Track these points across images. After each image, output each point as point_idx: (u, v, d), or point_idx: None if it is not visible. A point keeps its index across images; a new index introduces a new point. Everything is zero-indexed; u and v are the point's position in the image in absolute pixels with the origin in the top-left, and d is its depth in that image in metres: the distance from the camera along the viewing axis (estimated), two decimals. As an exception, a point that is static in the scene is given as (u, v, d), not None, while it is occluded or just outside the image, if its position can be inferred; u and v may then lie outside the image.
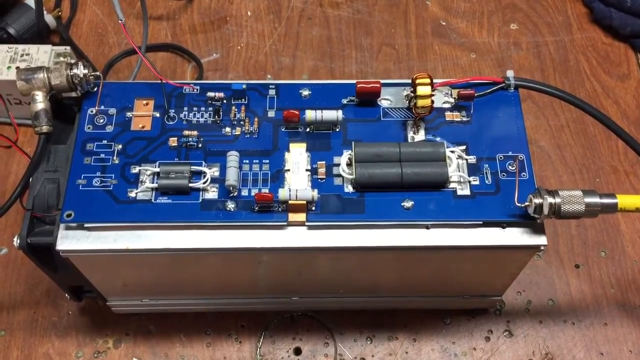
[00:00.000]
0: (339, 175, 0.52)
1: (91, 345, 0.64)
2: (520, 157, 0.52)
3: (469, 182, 0.52)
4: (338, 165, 0.52)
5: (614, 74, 0.81)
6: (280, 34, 0.84)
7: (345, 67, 0.81)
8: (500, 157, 0.53)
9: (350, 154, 0.52)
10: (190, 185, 0.51)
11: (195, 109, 0.55)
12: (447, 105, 0.55)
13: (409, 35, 0.84)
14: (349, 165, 0.52)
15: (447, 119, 0.55)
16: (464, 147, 0.53)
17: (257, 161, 0.52)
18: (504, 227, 0.51)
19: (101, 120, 0.54)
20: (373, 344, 0.64)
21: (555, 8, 0.86)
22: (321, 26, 0.84)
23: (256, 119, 0.54)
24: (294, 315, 0.65)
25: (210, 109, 0.55)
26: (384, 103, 0.55)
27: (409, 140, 0.53)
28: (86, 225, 0.50)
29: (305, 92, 0.56)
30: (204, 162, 0.52)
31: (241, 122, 0.54)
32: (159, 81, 0.55)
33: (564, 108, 0.78)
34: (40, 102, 0.52)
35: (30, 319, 0.65)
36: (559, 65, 0.81)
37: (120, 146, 0.53)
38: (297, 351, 0.64)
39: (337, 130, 0.54)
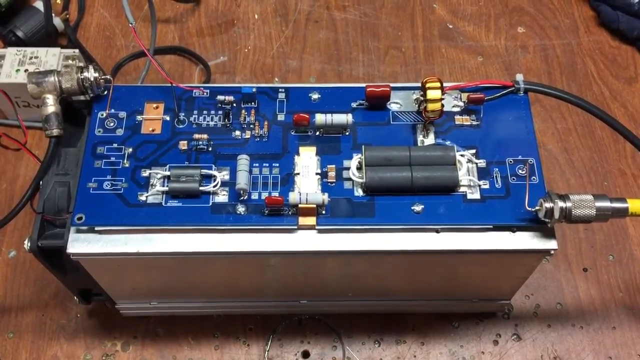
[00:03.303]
0: (349, 179, 0.52)
1: (99, 348, 0.64)
2: (531, 161, 0.52)
3: (479, 186, 0.52)
4: (348, 168, 0.52)
5: (622, 77, 0.81)
6: (287, 36, 0.84)
7: (352, 70, 0.81)
8: (510, 161, 0.53)
9: (360, 158, 0.52)
10: (201, 188, 0.51)
11: (205, 112, 0.55)
12: (456, 109, 0.55)
13: (416, 38, 0.84)
14: (359, 169, 0.52)
15: (456, 123, 0.55)
16: (473, 151, 0.53)
17: (267, 165, 0.52)
18: (514, 231, 0.51)
19: (111, 124, 0.54)
20: (381, 347, 0.64)
21: (562, 11, 0.86)
22: (328, 29, 0.84)
23: (266, 123, 0.54)
24: (302, 318, 0.65)
25: (220, 112, 0.55)
26: (393, 107, 0.55)
27: (419, 144, 0.53)
28: (97, 228, 0.50)
29: (315, 96, 0.56)
30: (214, 166, 0.52)
31: (251, 126, 0.54)
32: (169, 84, 0.55)
33: (571, 111, 0.78)
34: (51, 105, 0.52)
35: (38, 321, 0.65)
36: (566, 69, 0.81)
37: (130, 149, 0.53)
38: (305, 354, 0.64)
39: (347, 133, 0.54)
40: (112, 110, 0.55)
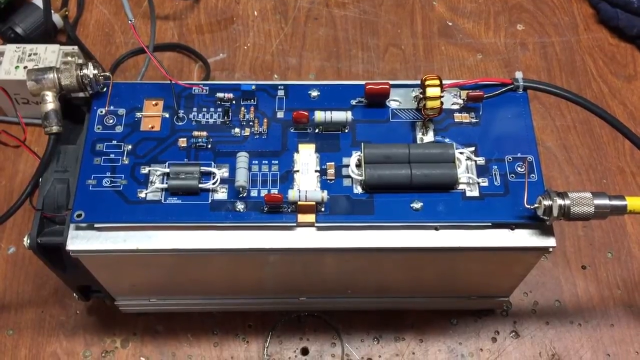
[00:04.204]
0: (348, 176, 0.52)
1: (99, 344, 0.64)
2: (529, 159, 0.52)
3: (478, 183, 0.52)
4: (347, 166, 0.52)
5: (621, 75, 0.81)
6: (286, 33, 0.84)
7: (351, 67, 0.81)
8: (509, 159, 0.53)
9: (359, 155, 0.52)
10: (200, 186, 0.51)
11: (204, 109, 0.55)
12: (455, 107, 0.55)
13: (415, 36, 0.84)
14: (358, 166, 0.52)
15: (455, 120, 0.55)
16: (472, 149, 0.53)
17: (267, 162, 0.52)
18: (512, 229, 0.51)
19: (111, 121, 0.54)
20: (380, 344, 0.64)
21: (561, 9, 0.86)
22: (327, 26, 0.84)
23: (265, 120, 0.54)
24: (301, 315, 0.66)
25: (220, 109, 0.55)
26: (392, 104, 0.55)
27: (418, 142, 0.54)
28: (96, 225, 0.50)
29: (314, 93, 0.56)
30: (213, 163, 0.52)
31: (250, 123, 0.54)
32: (168, 82, 0.55)
33: (570, 109, 0.78)
34: (50, 102, 0.52)
35: (38, 318, 0.65)
36: (565, 66, 0.81)
37: (129, 147, 0.53)
38: (305, 351, 0.64)
39: (346, 131, 0.54)
40: (112, 108, 0.55)
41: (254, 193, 0.51)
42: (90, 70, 0.53)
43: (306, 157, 0.52)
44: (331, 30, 0.84)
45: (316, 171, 0.52)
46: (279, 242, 0.50)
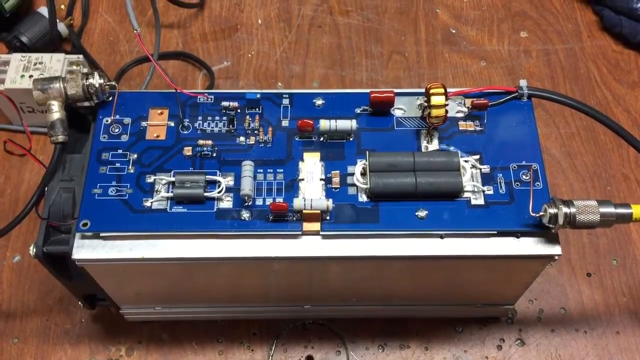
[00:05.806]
0: (353, 185, 0.52)
1: (104, 353, 0.64)
2: (534, 167, 0.52)
3: (483, 191, 0.52)
4: (352, 174, 0.52)
5: (625, 81, 0.81)
6: (290, 41, 0.84)
7: (355, 75, 0.81)
8: (514, 167, 0.53)
9: (364, 164, 0.52)
10: (205, 194, 0.51)
11: (209, 118, 0.55)
12: (460, 115, 0.55)
13: (419, 43, 0.84)
14: (363, 174, 0.52)
15: (460, 129, 0.55)
16: (477, 157, 0.53)
17: (272, 170, 0.53)
18: (518, 237, 0.51)
19: (116, 130, 0.54)
20: (385, 352, 0.64)
21: (565, 16, 0.86)
22: (331, 34, 0.85)
23: (270, 128, 0.55)
24: (306, 323, 0.66)
25: (225, 118, 0.55)
26: (397, 112, 0.56)
27: (423, 150, 0.54)
28: (102, 234, 0.50)
29: (319, 102, 0.56)
30: (218, 172, 0.52)
31: (255, 132, 0.54)
32: (174, 90, 0.55)
33: (574, 116, 0.78)
34: (56, 111, 0.53)
35: (43, 326, 0.65)
36: (569, 73, 0.81)
37: (135, 155, 0.53)
38: (310, 359, 0.64)
39: (351, 139, 0.54)
40: (117, 117, 0.55)
41: (259, 202, 0.51)
42: (96, 80, 0.53)
43: (311, 165, 0.53)
44: (335, 38, 0.84)
45: (321, 180, 0.52)
46: (284, 251, 0.50)
